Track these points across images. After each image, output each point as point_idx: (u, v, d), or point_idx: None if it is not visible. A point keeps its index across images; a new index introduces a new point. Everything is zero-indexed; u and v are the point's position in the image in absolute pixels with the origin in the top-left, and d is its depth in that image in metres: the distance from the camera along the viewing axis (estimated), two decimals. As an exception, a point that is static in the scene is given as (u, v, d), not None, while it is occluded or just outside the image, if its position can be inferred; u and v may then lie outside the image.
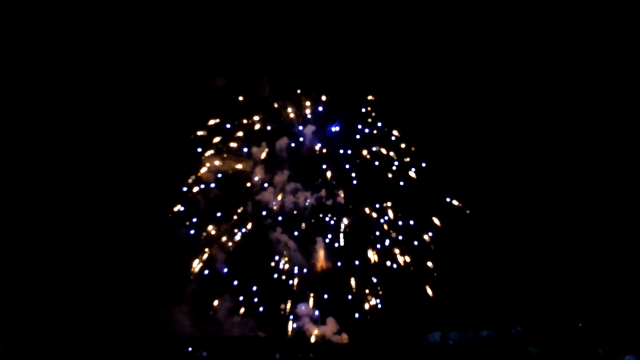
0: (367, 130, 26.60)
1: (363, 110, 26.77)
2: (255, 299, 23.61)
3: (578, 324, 19.89)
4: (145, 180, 24.06)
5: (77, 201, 23.44)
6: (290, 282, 24.19)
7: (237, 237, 24.77)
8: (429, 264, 24.25)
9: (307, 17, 26.14)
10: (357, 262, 24.45)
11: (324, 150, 26.32)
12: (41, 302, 21.21)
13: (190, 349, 19.30)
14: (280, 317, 23.61)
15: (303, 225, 25.08)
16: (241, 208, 25.14)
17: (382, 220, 25.18)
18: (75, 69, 24.70)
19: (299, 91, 26.68)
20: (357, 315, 23.71)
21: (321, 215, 25.28)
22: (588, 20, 24.51)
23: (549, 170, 25.03)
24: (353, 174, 25.86)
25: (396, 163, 25.97)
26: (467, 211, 24.61)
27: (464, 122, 25.68)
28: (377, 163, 26.12)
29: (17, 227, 22.27)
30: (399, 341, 21.47)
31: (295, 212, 25.22)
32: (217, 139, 25.71)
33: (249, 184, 25.53)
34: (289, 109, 26.59)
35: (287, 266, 24.39)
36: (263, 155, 25.81)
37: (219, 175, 25.38)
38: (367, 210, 25.36)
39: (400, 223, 24.98)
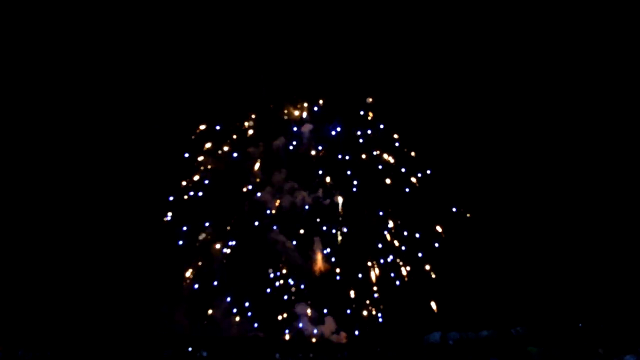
0: (369, 132, 26.45)
1: (362, 112, 26.60)
2: (255, 299, 23.60)
3: (578, 324, 19.87)
4: (144, 180, 24.11)
5: (77, 201, 23.49)
6: (290, 282, 24.20)
7: (237, 238, 24.75)
8: (427, 267, 24.20)
9: (306, 18, 26.15)
10: (357, 263, 24.44)
11: (321, 154, 26.16)
12: (41, 302, 21.23)
13: (190, 349, 19.33)
14: (280, 317, 23.62)
15: (301, 229, 24.96)
16: (238, 209, 25.07)
17: (384, 231, 24.97)
18: (60, 70, 24.46)
19: (296, 94, 26.61)
20: (357, 315, 23.68)
21: (319, 220, 25.13)
22: (591, 22, 24.56)
23: (549, 170, 25.07)
24: (354, 180, 25.67)
25: (403, 170, 25.68)
26: (468, 215, 24.54)
27: (470, 126, 25.54)
28: (380, 167, 25.93)
29: (17, 227, 22.31)
30: (399, 341, 21.46)
31: (293, 212, 25.16)
32: (208, 144, 25.51)
33: (245, 189, 25.33)
34: (286, 110, 26.54)
35: (286, 266, 24.41)
36: (259, 157, 25.70)
37: (216, 176, 25.28)
38: (367, 216, 25.19)
39: (405, 233, 24.72)
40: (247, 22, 26.17)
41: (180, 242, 23.86)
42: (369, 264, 24.33)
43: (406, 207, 25.08)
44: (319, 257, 24.38)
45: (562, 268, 23.02)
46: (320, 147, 26.12)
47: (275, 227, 24.64)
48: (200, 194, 24.76)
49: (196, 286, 23.60)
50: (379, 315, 23.70)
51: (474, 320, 21.13)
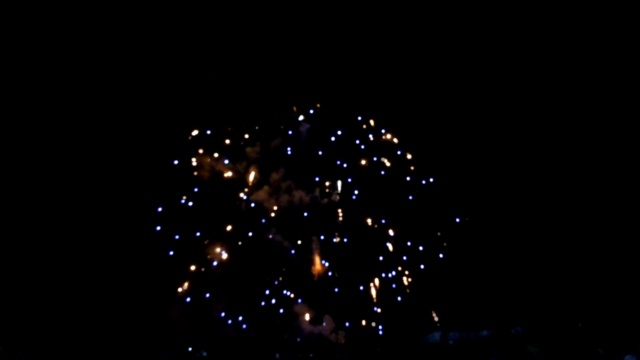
0: (370, 137, 26.32)
1: (360, 118, 26.45)
2: (255, 299, 23.59)
3: (578, 324, 19.89)
4: (144, 180, 24.11)
5: (77, 201, 23.48)
6: (290, 282, 24.19)
7: (235, 238, 24.74)
8: (427, 267, 24.19)
9: (306, 18, 26.13)
10: (356, 262, 24.41)
11: (320, 156, 26.08)
12: (41, 302, 21.21)
13: (190, 349, 19.33)
14: (280, 317, 23.60)
15: (300, 230, 24.91)
16: (236, 209, 25.03)
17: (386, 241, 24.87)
18: (58, 72, 24.29)
19: (294, 96, 26.53)
20: (356, 315, 23.67)
21: (317, 222, 25.03)
22: (591, 22, 24.57)
23: (549, 170, 25.10)
24: (353, 186, 25.54)
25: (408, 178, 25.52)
26: (467, 218, 24.52)
27: (472, 133, 25.48)
28: (382, 172, 25.75)
29: (17, 227, 22.31)
30: (399, 341, 21.46)
31: (291, 213, 25.10)
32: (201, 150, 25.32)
33: (243, 192, 25.28)
34: (283, 112, 26.51)
35: (286, 266, 24.40)
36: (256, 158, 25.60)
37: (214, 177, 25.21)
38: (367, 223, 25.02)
39: (408, 243, 24.57)
40: (246, 23, 26.24)
41: (180, 242, 23.84)
42: (369, 269, 24.33)
43: (407, 213, 25.06)
44: (317, 258, 24.40)
45: (562, 268, 23.04)
46: (318, 152, 26.03)
47: (272, 228, 24.63)
48: (199, 192, 24.76)
49: (204, 272, 23.57)
50: (379, 314, 23.69)
51: (474, 320, 21.14)
